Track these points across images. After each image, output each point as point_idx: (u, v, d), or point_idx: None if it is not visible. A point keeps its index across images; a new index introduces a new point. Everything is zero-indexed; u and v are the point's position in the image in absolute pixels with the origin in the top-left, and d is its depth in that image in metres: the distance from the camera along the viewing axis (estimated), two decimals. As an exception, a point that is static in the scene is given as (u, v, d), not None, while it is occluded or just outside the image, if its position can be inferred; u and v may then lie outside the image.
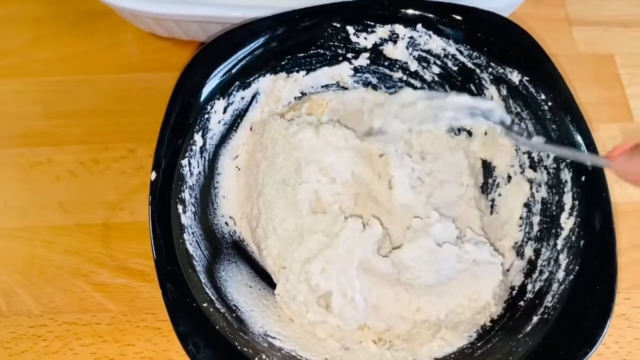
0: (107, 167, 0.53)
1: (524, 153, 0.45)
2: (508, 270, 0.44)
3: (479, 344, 0.41)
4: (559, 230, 0.41)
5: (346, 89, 0.50)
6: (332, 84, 0.50)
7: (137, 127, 0.55)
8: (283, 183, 0.45)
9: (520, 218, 0.45)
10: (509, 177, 0.47)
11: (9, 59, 0.59)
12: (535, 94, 0.43)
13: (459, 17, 0.45)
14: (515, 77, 0.44)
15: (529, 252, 0.43)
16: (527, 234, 0.44)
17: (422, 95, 0.43)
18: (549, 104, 0.43)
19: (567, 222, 0.41)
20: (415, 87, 0.49)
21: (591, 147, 0.41)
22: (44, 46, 0.60)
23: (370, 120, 0.44)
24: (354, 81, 0.50)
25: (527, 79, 0.43)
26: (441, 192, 0.46)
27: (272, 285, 0.44)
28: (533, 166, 0.44)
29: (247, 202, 0.47)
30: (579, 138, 0.41)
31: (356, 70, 0.49)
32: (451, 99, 0.41)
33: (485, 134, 0.48)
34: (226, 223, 0.46)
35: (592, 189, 0.40)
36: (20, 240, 0.50)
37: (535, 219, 0.44)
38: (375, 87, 0.50)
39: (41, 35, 0.60)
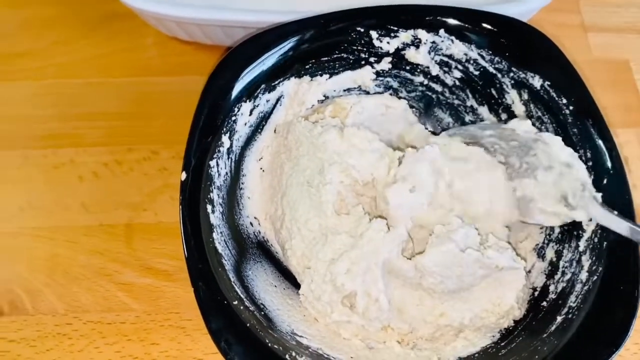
0: (131, 168, 0.54)
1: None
2: (529, 271, 0.45)
3: (502, 344, 0.41)
4: (580, 232, 0.42)
5: (368, 92, 0.51)
6: (355, 88, 0.51)
7: (159, 130, 0.55)
8: (307, 184, 0.45)
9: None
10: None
11: (30, 61, 0.60)
12: (556, 99, 0.44)
13: (482, 23, 0.45)
14: (536, 81, 0.45)
15: (550, 254, 0.44)
16: (548, 236, 0.45)
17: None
18: (571, 108, 0.43)
19: (589, 224, 0.41)
20: (435, 92, 0.50)
21: (613, 152, 0.41)
22: (64, 49, 0.61)
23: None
24: (376, 85, 0.51)
25: (549, 83, 0.44)
26: (468, 207, 0.46)
27: (295, 285, 0.45)
28: (554, 169, 0.45)
29: (271, 203, 0.47)
30: (600, 142, 0.42)
31: (378, 74, 0.50)
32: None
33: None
34: (251, 223, 0.47)
35: (614, 192, 0.41)
36: (44, 240, 0.51)
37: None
38: (396, 91, 0.51)
39: (62, 38, 0.61)
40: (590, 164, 0.42)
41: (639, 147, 0.55)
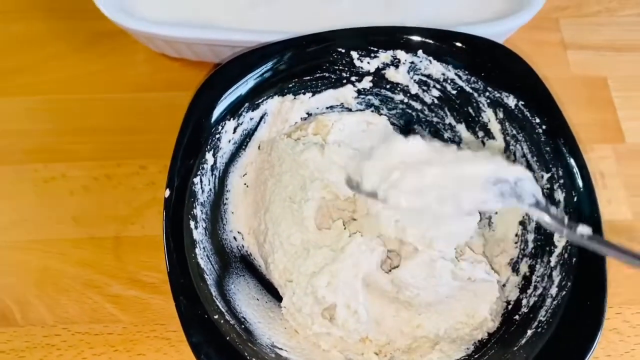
0: (120, 182, 0.55)
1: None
2: (504, 285, 0.46)
3: (475, 356, 0.42)
4: (552, 247, 0.43)
5: (350, 110, 0.52)
6: (337, 105, 0.52)
7: (148, 145, 0.57)
8: (289, 200, 0.47)
9: (516, 235, 0.47)
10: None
11: (23, 77, 0.62)
12: (530, 118, 0.45)
13: (457, 44, 0.47)
14: (511, 101, 0.46)
15: (524, 268, 0.45)
16: (522, 251, 0.46)
17: (424, 148, 0.38)
18: (544, 127, 0.45)
19: (561, 240, 0.43)
20: (415, 110, 0.52)
21: (583, 170, 0.43)
22: (57, 65, 0.62)
23: (355, 174, 0.40)
24: (358, 102, 0.52)
25: (523, 103, 0.46)
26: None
27: (277, 298, 0.46)
28: (528, 186, 0.46)
29: (255, 218, 0.49)
30: (571, 161, 0.43)
31: (359, 92, 0.51)
32: (471, 168, 0.36)
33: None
34: (234, 238, 0.48)
35: (584, 209, 0.42)
36: (35, 252, 0.52)
37: (530, 237, 0.46)
38: (377, 109, 0.53)
39: (54, 54, 0.63)
40: (561, 181, 0.44)
41: (616, 163, 0.56)
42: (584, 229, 0.36)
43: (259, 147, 0.50)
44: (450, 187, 0.36)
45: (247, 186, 0.50)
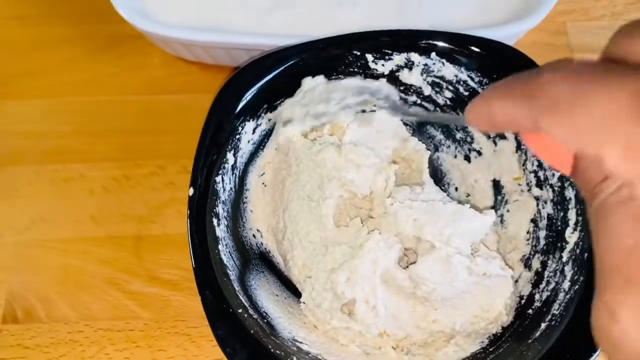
0: (138, 182, 0.56)
1: (530, 172, 0.49)
2: (517, 281, 0.47)
3: (490, 349, 0.44)
4: (564, 244, 0.45)
5: (364, 111, 0.54)
6: (351, 106, 0.53)
7: (166, 145, 0.58)
8: (308, 199, 0.48)
9: (528, 232, 0.49)
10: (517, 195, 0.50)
11: (41, 79, 0.63)
12: (540, 118, 0.47)
13: (470, 47, 0.48)
14: (522, 102, 0.48)
15: (536, 264, 0.47)
16: (534, 247, 0.48)
17: (321, 81, 0.47)
18: (554, 127, 0.46)
19: (572, 236, 0.44)
20: (427, 110, 0.53)
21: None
22: (74, 68, 0.63)
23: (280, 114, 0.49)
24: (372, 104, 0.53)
25: (533, 104, 0.47)
26: None
27: (296, 294, 0.48)
28: (539, 184, 0.48)
29: (273, 216, 0.50)
30: (582, 159, 0.45)
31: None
32: (343, 81, 0.46)
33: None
34: (254, 235, 0.49)
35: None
36: (55, 251, 0.54)
37: (542, 234, 0.47)
38: (391, 110, 0.54)
39: (72, 57, 0.64)
40: (572, 178, 0.45)
41: (622, 162, 0.58)
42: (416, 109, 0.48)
43: (276, 147, 0.51)
44: (326, 94, 0.47)
45: (265, 185, 0.51)
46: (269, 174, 0.51)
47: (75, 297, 0.52)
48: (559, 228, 0.46)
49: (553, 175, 0.46)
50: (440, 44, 0.49)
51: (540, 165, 0.48)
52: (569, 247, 0.44)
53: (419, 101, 0.53)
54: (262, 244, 0.49)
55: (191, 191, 0.43)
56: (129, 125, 0.60)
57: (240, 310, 0.41)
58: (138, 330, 0.50)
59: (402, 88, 0.52)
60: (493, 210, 0.48)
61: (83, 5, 0.65)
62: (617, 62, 0.23)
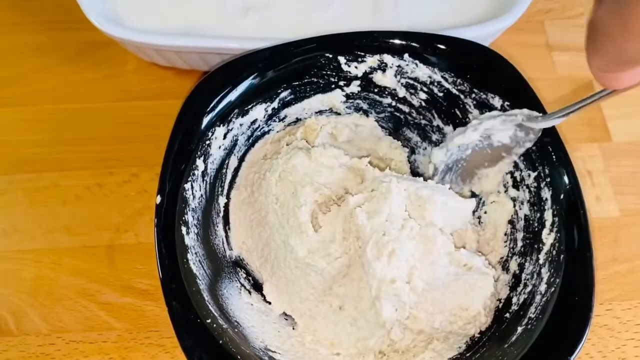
0: (112, 191, 0.55)
1: (506, 173, 0.48)
2: (495, 281, 0.46)
3: (467, 355, 0.43)
4: (540, 245, 0.44)
5: (339, 114, 0.53)
6: (326, 110, 0.53)
7: (140, 153, 0.57)
8: (281, 207, 0.47)
9: (505, 234, 0.48)
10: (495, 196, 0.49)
11: (14, 88, 0.62)
12: (516, 118, 0.46)
13: (442, 47, 0.48)
14: (497, 102, 0.47)
15: (513, 266, 0.46)
16: (511, 250, 0.47)
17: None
18: (529, 127, 0.45)
19: (548, 237, 0.43)
20: (403, 113, 0.52)
21: (569, 167, 0.44)
22: (48, 76, 0.62)
23: None
24: (346, 107, 0.53)
25: (508, 104, 0.46)
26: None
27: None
28: (516, 185, 0.47)
29: (248, 223, 0.49)
30: (557, 159, 0.44)
31: (348, 96, 0.52)
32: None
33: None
34: (227, 243, 0.48)
35: (570, 207, 0.43)
36: (28, 262, 0.53)
37: (519, 235, 0.46)
38: (366, 113, 0.53)
39: (45, 65, 0.63)
40: (548, 180, 0.44)
41: (603, 161, 0.57)
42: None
43: (244, 157, 0.51)
44: None
45: (238, 192, 0.50)
46: (242, 181, 0.50)
47: (47, 310, 0.50)
48: (536, 229, 0.45)
49: (529, 175, 0.46)
50: (412, 44, 0.48)
51: (516, 166, 0.47)
52: (546, 248, 0.43)
53: (394, 103, 0.52)
54: (235, 252, 0.49)
55: (158, 199, 0.43)
56: (103, 132, 0.59)
57: (209, 320, 0.40)
58: (111, 342, 0.49)
59: (376, 90, 0.52)
60: (474, 199, 0.48)
61: (56, 13, 0.65)
62: None
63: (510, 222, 0.48)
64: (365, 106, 0.53)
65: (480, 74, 0.47)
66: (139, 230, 0.54)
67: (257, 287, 0.48)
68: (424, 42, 0.48)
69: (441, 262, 0.45)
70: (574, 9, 0.65)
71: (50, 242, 0.53)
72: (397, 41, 0.48)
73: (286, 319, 0.46)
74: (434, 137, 0.52)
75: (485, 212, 0.50)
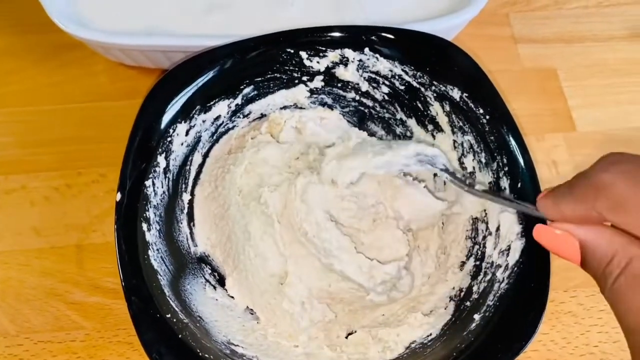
0: (80, 191, 0.56)
1: (465, 167, 0.48)
2: (462, 266, 0.47)
3: (429, 342, 0.43)
4: (499, 233, 0.44)
5: (304, 108, 0.53)
6: (290, 105, 0.53)
7: (108, 152, 0.57)
8: (243, 198, 0.47)
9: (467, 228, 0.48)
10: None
11: (-17, 91, 0.62)
12: (474, 109, 0.46)
13: (400, 40, 0.48)
14: (455, 94, 0.47)
15: (473, 259, 0.46)
16: (473, 239, 0.47)
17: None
18: (487, 117, 0.46)
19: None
20: (367, 107, 0.53)
21: (526, 155, 0.44)
22: (15, 78, 0.62)
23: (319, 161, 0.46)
24: (311, 102, 0.53)
25: (467, 95, 0.47)
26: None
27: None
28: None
29: (212, 218, 0.49)
30: (514, 147, 0.44)
31: (312, 91, 0.52)
32: (400, 150, 0.44)
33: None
34: (192, 239, 0.49)
35: (528, 195, 0.43)
36: (-4, 264, 0.53)
37: (481, 226, 0.47)
38: (330, 107, 0.53)
39: (12, 67, 0.63)
40: (506, 169, 0.45)
41: (567, 151, 0.58)
42: (480, 186, 0.44)
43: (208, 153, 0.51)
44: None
45: (202, 188, 0.50)
46: (206, 177, 0.51)
47: (15, 311, 0.51)
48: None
49: (489, 166, 0.46)
50: (371, 38, 0.48)
51: (477, 158, 0.47)
52: (504, 236, 0.44)
53: (357, 97, 0.53)
54: (198, 247, 0.49)
55: (119, 196, 0.43)
56: (71, 133, 0.59)
57: (169, 315, 0.40)
58: (79, 341, 0.50)
59: (339, 85, 0.52)
60: (445, 201, 0.48)
61: (23, 15, 0.65)
62: None
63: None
64: (329, 101, 0.53)
65: (439, 66, 0.48)
66: (107, 230, 0.54)
67: (223, 282, 0.48)
68: (381, 36, 0.48)
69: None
70: (538, 1, 0.66)
71: (18, 243, 0.54)
72: (356, 35, 0.49)
73: (251, 314, 0.47)
74: (398, 130, 0.53)
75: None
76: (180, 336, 0.39)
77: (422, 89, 0.49)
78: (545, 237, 0.36)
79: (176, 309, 0.41)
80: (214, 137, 0.51)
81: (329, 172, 0.44)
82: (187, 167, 0.49)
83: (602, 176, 0.32)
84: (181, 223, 0.48)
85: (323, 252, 0.43)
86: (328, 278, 0.44)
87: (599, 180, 0.32)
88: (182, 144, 0.48)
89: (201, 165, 0.51)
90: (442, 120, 0.49)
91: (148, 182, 0.45)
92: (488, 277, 0.44)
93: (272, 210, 0.45)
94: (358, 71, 0.51)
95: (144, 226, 0.43)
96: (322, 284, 0.44)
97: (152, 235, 0.43)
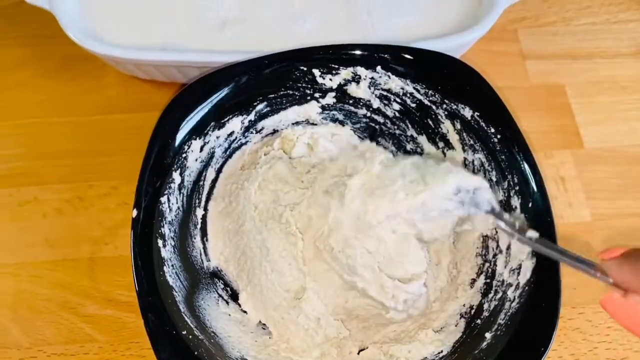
0: (92, 204, 0.56)
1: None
2: (472, 284, 0.47)
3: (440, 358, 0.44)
4: (510, 251, 0.45)
5: (315, 124, 0.54)
6: (302, 121, 0.54)
7: (120, 165, 0.58)
8: (259, 214, 0.48)
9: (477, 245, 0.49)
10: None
11: (-6, 102, 0.62)
12: (485, 128, 0.47)
13: (413, 59, 0.49)
14: (467, 112, 0.48)
15: (484, 276, 0.47)
16: (483, 257, 0.48)
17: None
18: (498, 136, 0.46)
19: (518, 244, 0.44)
20: (377, 123, 0.53)
21: (537, 175, 0.45)
22: (27, 90, 0.63)
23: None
24: (322, 118, 0.54)
25: (478, 114, 0.47)
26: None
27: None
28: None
29: (226, 233, 0.50)
30: (525, 167, 0.45)
31: (324, 108, 0.53)
32: (437, 188, 0.40)
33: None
34: (205, 255, 0.49)
35: (539, 215, 0.44)
36: (8, 276, 0.53)
37: (492, 244, 0.47)
38: (342, 123, 0.54)
39: (24, 79, 0.63)
40: (517, 188, 0.45)
41: (575, 167, 0.58)
42: (532, 233, 0.39)
43: (221, 169, 0.52)
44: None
45: (216, 203, 0.51)
46: (220, 192, 0.51)
47: (28, 323, 0.51)
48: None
49: (499, 185, 0.47)
50: (383, 56, 0.49)
51: (487, 175, 0.48)
52: (515, 255, 0.44)
53: (368, 114, 0.53)
54: (211, 262, 0.49)
55: (134, 213, 0.43)
56: (83, 146, 0.59)
57: (184, 332, 0.41)
58: (93, 354, 0.50)
59: (351, 102, 0.53)
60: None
61: (36, 27, 0.65)
62: None
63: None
64: (340, 117, 0.54)
65: (450, 85, 0.48)
66: (119, 243, 0.54)
67: (235, 297, 0.48)
68: (394, 54, 0.49)
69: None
70: (547, 17, 0.67)
71: (31, 255, 0.54)
72: (369, 53, 0.49)
73: (264, 329, 0.47)
74: (409, 146, 0.53)
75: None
76: (196, 353, 0.40)
77: (434, 107, 0.50)
78: (616, 307, 0.34)
79: (191, 325, 0.42)
80: (227, 153, 0.51)
81: (354, 211, 0.41)
82: (201, 183, 0.50)
83: None
84: (194, 238, 0.49)
85: (347, 269, 0.43)
86: (346, 295, 0.44)
87: None
88: (196, 160, 0.49)
89: (214, 181, 0.51)
90: (453, 138, 0.50)
91: (163, 199, 0.45)
92: (499, 296, 0.44)
93: (294, 229, 0.45)
94: (370, 88, 0.51)
95: (160, 242, 0.44)
96: (339, 300, 0.45)
97: (167, 252, 0.44)
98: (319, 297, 0.45)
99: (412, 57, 0.49)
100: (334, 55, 0.50)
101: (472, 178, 0.42)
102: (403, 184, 0.41)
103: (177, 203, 0.47)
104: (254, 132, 0.52)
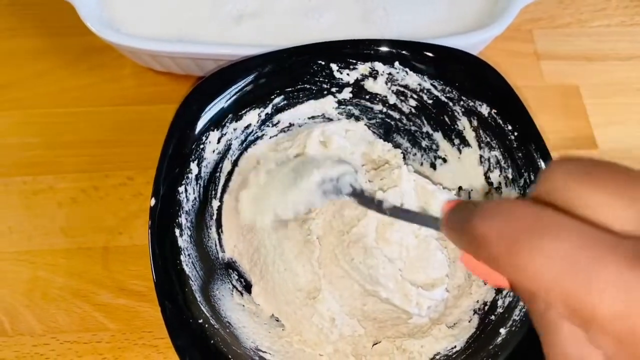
0: (107, 193, 0.56)
1: (490, 182, 0.49)
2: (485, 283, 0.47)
3: (454, 355, 0.44)
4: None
5: (331, 119, 0.54)
6: (318, 116, 0.54)
7: (135, 156, 0.58)
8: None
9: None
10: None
11: (11, 92, 0.63)
12: (502, 125, 0.47)
13: (431, 55, 0.49)
14: (484, 109, 0.48)
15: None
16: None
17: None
18: (515, 134, 0.47)
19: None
20: (393, 119, 0.53)
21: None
22: (45, 80, 0.63)
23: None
24: (339, 113, 0.54)
25: (495, 111, 0.48)
26: None
27: (262, 303, 0.48)
28: (500, 192, 0.48)
29: (239, 229, 0.50)
30: (542, 165, 0.45)
31: (340, 103, 0.53)
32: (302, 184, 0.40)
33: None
34: (220, 245, 0.49)
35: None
36: (23, 263, 0.53)
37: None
38: (357, 118, 0.54)
39: (43, 69, 0.64)
40: (521, 184, 0.46)
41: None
42: (387, 204, 0.36)
43: (237, 162, 0.52)
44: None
45: (231, 195, 0.51)
46: (235, 183, 0.51)
47: (42, 310, 0.51)
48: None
49: (516, 182, 0.47)
50: (402, 52, 0.49)
51: (504, 172, 0.48)
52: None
53: (384, 109, 0.53)
54: (226, 252, 0.49)
55: (153, 202, 0.43)
56: (99, 136, 0.60)
57: (200, 321, 0.41)
58: (105, 342, 0.50)
59: (367, 97, 0.53)
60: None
61: (54, 18, 0.66)
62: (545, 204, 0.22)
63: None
64: (356, 112, 0.54)
65: (468, 82, 0.49)
66: (134, 233, 0.55)
67: (249, 288, 0.49)
68: (414, 51, 0.49)
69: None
70: (562, 18, 0.67)
71: (46, 243, 0.54)
72: (387, 49, 0.50)
73: (277, 320, 0.47)
74: (424, 143, 0.53)
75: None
76: (212, 341, 0.40)
77: (450, 104, 0.50)
78: (470, 262, 0.27)
79: (207, 314, 0.42)
80: (244, 145, 0.52)
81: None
82: (217, 174, 0.50)
83: (477, 227, 0.23)
84: (210, 229, 0.49)
85: (369, 279, 0.43)
86: (364, 299, 0.44)
87: (474, 230, 0.23)
88: (213, 152, 0.49)
89: (230, 173, 0.51)
90: (469, 135, 0.50)
91: (181, 189, 0.45)
92: (513, 292, 0.44)
93: (315, 239, 0.45)
94: (387, 84, 0.52)
95: (177, 232, 0.44)
96: (356, 304, 0.45)
97: (184, 241, 0.44)
98: (334, 298, 0.45)
99: (432, 54, 0.49)
100: (353, 50, 0.50)
101: (336, 167, 0.41)
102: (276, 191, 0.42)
103: (194, 193, 0.47)
104: (270, 125, 0.52)
